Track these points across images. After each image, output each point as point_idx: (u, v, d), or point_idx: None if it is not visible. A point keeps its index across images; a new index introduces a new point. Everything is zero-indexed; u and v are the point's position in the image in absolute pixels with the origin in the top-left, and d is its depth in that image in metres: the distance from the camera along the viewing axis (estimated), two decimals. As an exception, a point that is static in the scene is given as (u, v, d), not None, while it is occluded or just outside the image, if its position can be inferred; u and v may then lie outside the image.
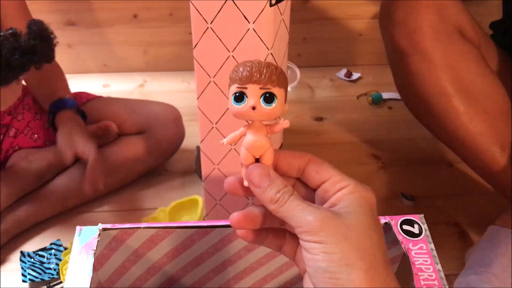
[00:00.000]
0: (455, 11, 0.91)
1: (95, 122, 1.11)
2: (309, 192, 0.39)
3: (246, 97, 0.35)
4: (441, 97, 0.90)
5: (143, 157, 1.12)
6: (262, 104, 0.35)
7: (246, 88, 0.35)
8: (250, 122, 0.37)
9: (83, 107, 1.14)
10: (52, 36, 0.84)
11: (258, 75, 0.34)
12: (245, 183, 0.37)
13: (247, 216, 0.37)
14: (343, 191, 0.36)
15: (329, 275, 0.32)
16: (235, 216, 0.37)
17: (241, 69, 0.35)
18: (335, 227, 0.33)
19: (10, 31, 0.77)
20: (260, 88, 0.34)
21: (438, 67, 0.88)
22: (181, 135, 1.15)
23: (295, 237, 0.38)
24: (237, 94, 0.35)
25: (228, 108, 0.76)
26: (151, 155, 1.13)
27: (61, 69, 1.12)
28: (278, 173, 0.37)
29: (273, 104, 0.35)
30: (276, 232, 0.39)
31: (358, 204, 0.35)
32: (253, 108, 0.35)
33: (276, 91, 0.35)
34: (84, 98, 1.16)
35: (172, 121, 1.14)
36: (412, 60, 0.90)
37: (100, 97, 1.19)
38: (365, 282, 0.31)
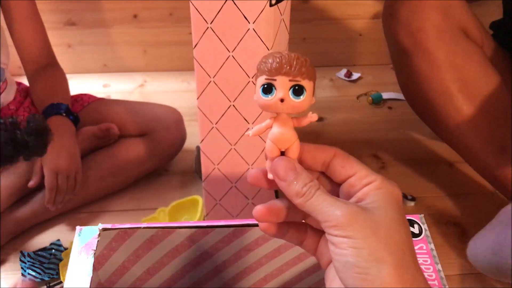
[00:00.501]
0: (459, 10, 0.91)
1: (96, 123, 1.11)
2: (333, 187, 0.39)
3: (275, 89, 0.34)
4: (444, 96, 0.90)
5: (144, 159, 1.12)
6: (291, 96, 0.34)
7: (275, 80, 0.34)
8: (276, 114, 0.36)
9: (85, 108, 1.14)
10: (49, 133, 0.83)
11: (288, 67, 0.34)
12: (270, 176, 0.37)
13: (271, 209, 0.37)
14: (369, 186, 0.35)
15: (358, 270, 0.32)
16: (259, 209, 0.37)
17: (270, 60, 0.34)
18: (364, 222, 0.33)
19: (10, 119, 0.76)
20: (290, 80, 0.34)
21: (441, 66, 0.88)
22: (182, 138, 1.15)
23: (316, 232, 0.38)
24: (265, 86, 0.34)
25: (228, 108, 0.76)
26: (152, 157, 1.13)
27: (64, 76, 1.11)
28: (303, 166, 0.37)
29: (302, 97, 0.34)
30: (298, 226, 0.39)
31: (385, 200, 0.35)
32: (282, 100, 0.34)
33: (306, 83, 0.34)
34: (85, 101, 1.16)
35: (174, 123, 1.13)
36: (416, 59, 0.90)
37: (102, 99, 1.19)
38: (395, 278, 0.31)
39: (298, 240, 0.40)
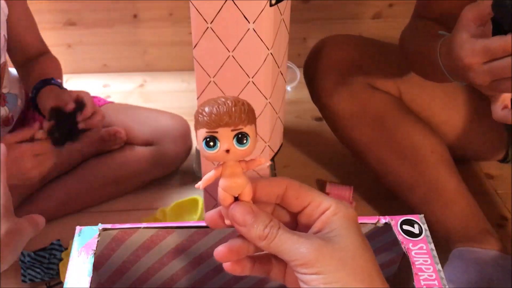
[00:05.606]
0: (365, 69, 0.99)
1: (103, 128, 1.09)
2: (291, 216, 0.39)
3: (218, 141, 0.34)
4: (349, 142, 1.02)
5: (148, 170, 1.10)
6: (236, 145, 0.34)
7: (216, 132, 0.33)
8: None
9: None
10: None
11: (227, 118, 0.33)
12: (227, 222, 0.37)
13: (231, 248, 0.37)
14: (326, 213, 0.36)
15: None
16: (220, 250, 0.37)
17: (207, 110, 0.33)
18: (330, 255, 0.33)
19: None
20: (232, 130, 0.33)
21: (338, 116, 1.00)
22: (188, 150, 1.14)
23: (281, 260, 0.38)
24: (208, 139, 0.34)
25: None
26: (156, 168, 1.12)
27: (57, 61, 1.06)
28: (257, 202, 0.37)
29: (247, 143, 0.34)
30: (262, 258, 0.40)
31: (344, 225, 0.35)
32: (227, 151, 0.34)
33: (248, 129, 0.34)
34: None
35: (181, 136, 1.12)
36: (324, 114, 1.06)
37: (109, 104, 1.17)
38: None
39: (265, 272, 0.40)
